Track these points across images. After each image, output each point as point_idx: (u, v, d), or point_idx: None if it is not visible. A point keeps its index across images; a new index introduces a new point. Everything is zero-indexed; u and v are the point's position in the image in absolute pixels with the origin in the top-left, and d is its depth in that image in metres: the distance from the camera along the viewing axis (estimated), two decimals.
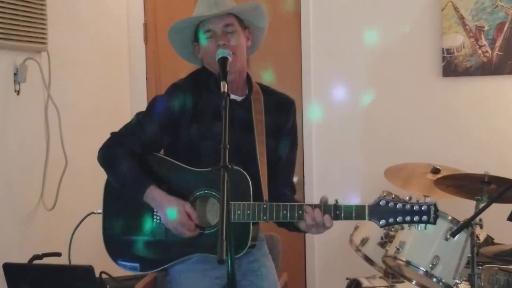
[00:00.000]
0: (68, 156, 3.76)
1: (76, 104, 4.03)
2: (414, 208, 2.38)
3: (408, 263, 3.36)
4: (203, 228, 2.57)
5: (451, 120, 4.29)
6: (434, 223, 2.38)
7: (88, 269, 2.83)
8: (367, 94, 4.44)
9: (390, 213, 2.39)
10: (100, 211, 2.73)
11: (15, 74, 3.52)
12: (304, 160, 4.55)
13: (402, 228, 3.32)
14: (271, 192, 2.63)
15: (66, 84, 3.94)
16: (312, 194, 4.53)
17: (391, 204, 2.39)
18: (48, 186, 3.71)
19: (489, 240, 3.65)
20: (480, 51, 4.16)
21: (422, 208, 2.38)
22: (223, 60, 2.50)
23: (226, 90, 2.35)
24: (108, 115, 4.30)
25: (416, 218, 2.38)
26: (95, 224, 2.75)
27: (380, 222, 2.39)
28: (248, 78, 2.73)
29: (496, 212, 3.22)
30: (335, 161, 4.53)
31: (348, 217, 2.43)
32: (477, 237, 3.29)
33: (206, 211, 2.61)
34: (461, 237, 3.27)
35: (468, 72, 4.20)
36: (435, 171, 3.73)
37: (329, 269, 4.50)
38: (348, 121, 4.49)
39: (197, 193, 2.59)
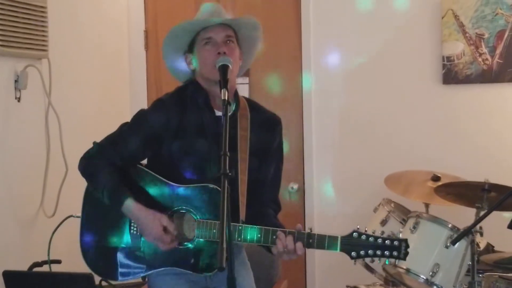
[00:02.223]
0: (69, 163, 3.76)
1: (76, 111, 4.03)
2: (386, 242, 2.41)
3: (408, 271, 3.36)
4: (179, 243, 2.58)
5: (451, 127, 4.29)
6: (404, 259, 2.42)
7: (88, 277, 2.83)
8: (368, 102, 4.44)
9: (361, 246, 2.42)
10: (79, 214, 2.74)
11: (15, 81, 3.52)
12: (304, 168, 4.55)
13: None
14: (255, 210, 2.65)
15: (67, 91, 3.94)
16: (313, 202, 4.53)
17: (363, 237, 2.42)
18: (49, 193, 3.71)
19: (489, 248, 3.64)
20: (480, 59, 4.16)
21: (394, 243, 2.41)
22: (224, 68, 2.50)
23: (226, 98, 2.36)
24: (108, 122, 4.27)
25: (386, 253, 2.41)
26: None
27: (352, 254, 2.43)
28: (236, 94, 2.73)
29: (496, 220, 3.22)
30: (335, 169, 4.53)
31: (320, 246, 2.46)
32: (478, 244, 3.30)
33: (183, 228, 2.61)
34: (461, 245, 3.27)
35: (468, 79, 4.20)
36: (435, 178, 3.74)
37: (329, 277, 4.49)
38: (348, 129, 4.49)
39: (175, 209, 2.60)
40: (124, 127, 2.72)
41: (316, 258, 4.52)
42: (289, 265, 4.08)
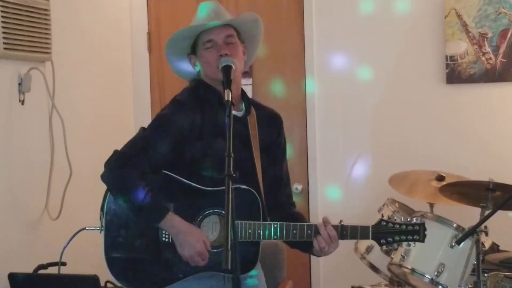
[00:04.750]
0: (73, 165, 3.77)
1: (80, 113, 4.04)
2: (408, 228, 2.58)
3: (413, 270, 3.35)
4: (213, 247, 2.57)
5: (455, 127, 4.29)
6: (423, 241, 2.61)
7: (94, 279, 2.84)
8: (371, 102, 4.44)
9: (388, 233, 2.58)
10: (93, 227, 2.69)
11: (19, 84, 3.53)
12: (308, 168, 4.55)
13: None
14: (280, 208, 2.70)
15: (70, 94, 3.95)
16: (317, 203, 4.53)
17: (389, 224, 2.59)
18: (53, 196, 3.71)
19: (494, 247, 3.64)
20: (483, 58, 4.15)
21: (415, 228, 2.58)
22: (227, 68, 2.50)
23: (230, 98, 2.35)
24: (112, 124, 4.31)
25: (409, 237, 2.58)
26: (100, 234, 2.74)
27: (381, 241, 2.58)
28: (243, 93, 2.73)
29: (501, 219, 3.21)
30: (339, 169, 4.53)
31: (353, 236, 2.59)
32: (483, 244, 3.29)
33: (202, 228, 2.60)
34: (466, 244, 3.26)
35: (471, 79, 4.19)
36: (440, 178, 3.73)
37: (334, 277, 4.49)
38: (353, 129, 4.49)
39: (206, 212, 2.57)
40: (146, 132, 2.62)
41: (321, 258, 4.46)
42: (294, 265, 4.10)
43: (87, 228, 2.99)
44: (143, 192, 2.50)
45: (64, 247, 3.24)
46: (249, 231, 2.51)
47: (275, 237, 2.53)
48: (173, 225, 2.52)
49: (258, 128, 2.70)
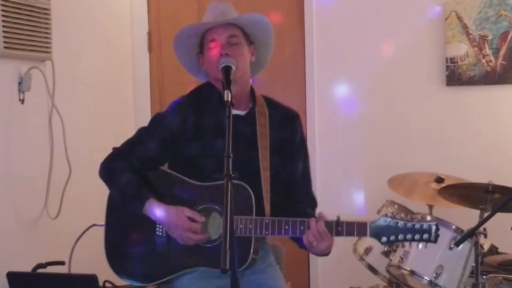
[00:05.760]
0: (72, 164, 3.77)
1: (80, 112, 4.04)
2: (416, 226, 2.40)
3: (412, 272, 3.35)
4: (205, 242, 2.57)
5: (454, 129, 4.29)
6: (435, 241, 2.40)
7: (92, 278, 2.85)
8: (372, 103, 4.44)
9: (391, 230, 2.41)
10: (102, 223, 2.73)
11: (19, 83, 3.54)
12: None
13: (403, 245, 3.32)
14: (290, 208, 2.66)
15: (70, 93, 3.95)
16: None
17: (392, 221, 2.41)
18: (52, 195, 3.71)
19: (493, 250, 3.64)
20: (484, 60, 4.15)
21: (424, 227, 2.40)
22: (227, 69, 2.51)
23: (229, 99, 2.36)
24: (112, 124, 4.31)
25: (417, 237, 2.40)
26: (99, 233, 2.76)
27: (382, 240, 2.42)
28: (252, 91, 2.73)
29: (500, 222, 3.21)
30: (338, 170, 4.53)
31: (349, 233, 2.44)
32: (481, 246, 3.29)
33: (207, 226, 2.61)
34: (465, 246, 3.26)
35: (471, 81, 4.19)
36: (439, 180, 3.73)
37: (333, 278, 4.49)
38: (352, 130, 4.49)
39: (200, 207, 2.58)
40: (141, 131, 2.74)
41: (319, 259, 4.50)
42: (292, 266, 4.09)
43: (97, 224, 3.01)
44: (126, 181, 2.60)
45: (74, 244, 3.24)
46: (240, 226, 2.49)
47: (266, 232, 2.49)
48: (152, 210, 2.57)
49: (270, 127, 2.69)
